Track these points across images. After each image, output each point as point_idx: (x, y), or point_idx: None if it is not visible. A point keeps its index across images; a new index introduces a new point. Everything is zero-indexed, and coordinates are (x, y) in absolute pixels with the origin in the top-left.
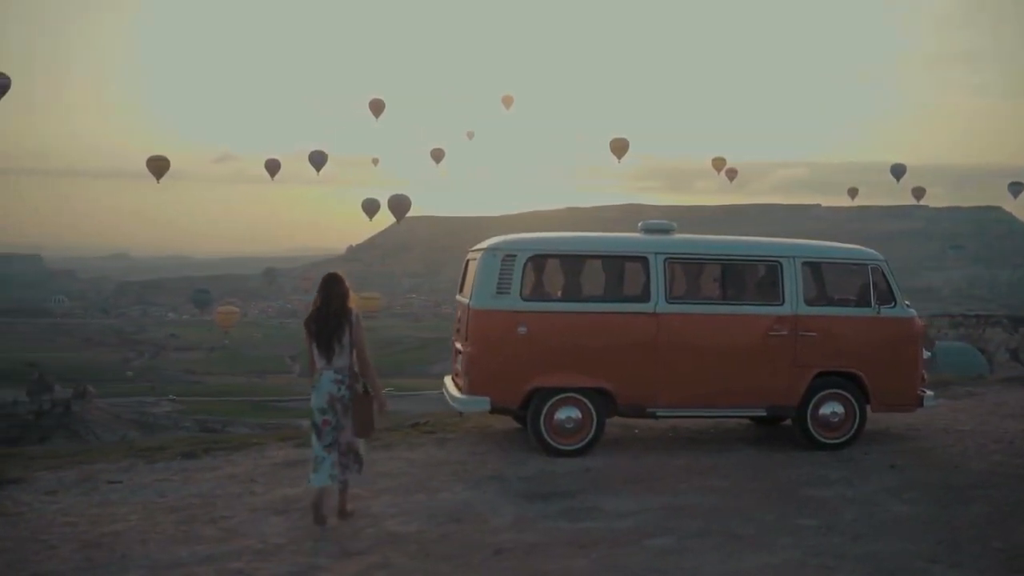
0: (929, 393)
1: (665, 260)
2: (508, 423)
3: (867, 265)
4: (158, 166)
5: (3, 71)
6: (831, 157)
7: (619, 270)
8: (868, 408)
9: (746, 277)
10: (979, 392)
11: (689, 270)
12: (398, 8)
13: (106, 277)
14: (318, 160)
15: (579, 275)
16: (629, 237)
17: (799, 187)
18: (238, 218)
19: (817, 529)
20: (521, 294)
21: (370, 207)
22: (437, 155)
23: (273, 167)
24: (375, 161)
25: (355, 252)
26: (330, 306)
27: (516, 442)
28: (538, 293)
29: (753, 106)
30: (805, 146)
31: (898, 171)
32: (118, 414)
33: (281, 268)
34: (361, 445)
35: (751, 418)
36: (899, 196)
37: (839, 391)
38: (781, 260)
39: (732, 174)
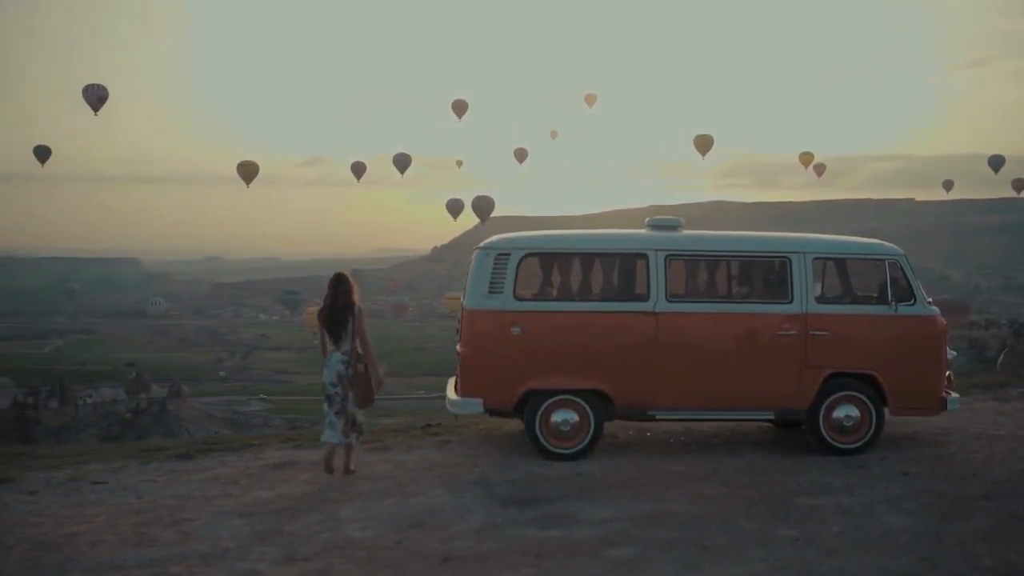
0: (954, 395)
1: (666, 257)
2: (518, 425)
3: (884, 260)
4: (247, 171)
5: (101, 83)
6: (924, 149)
7: (617, 268)
8: (886, 411)
9: (753, 274)
10: None
11: (692, 267)
12: (480, 9)
13: (200, 279)
14: (402, 162)
15: (575, 273)
16: (629, 234)
17: (890, 181)
18: (325, 220)
19: (795, 541)
20: (515, 294)
21: (454, 208)
22: (520, 155)
23: (359, 170)
24: (459, 163)
25: (440, 253)
26: (337, 301)
27: (518, 445)
28: (533, 292)
29: (841, 99)
30: (896, 138)
31: (996, 163)
32: (210, 413)
33: (367, 269)
34: (359, 415)
35: (768, 421)
36: (998, 189)
37: (854, 393)
38: (790, 256)
39: (820, 169)
